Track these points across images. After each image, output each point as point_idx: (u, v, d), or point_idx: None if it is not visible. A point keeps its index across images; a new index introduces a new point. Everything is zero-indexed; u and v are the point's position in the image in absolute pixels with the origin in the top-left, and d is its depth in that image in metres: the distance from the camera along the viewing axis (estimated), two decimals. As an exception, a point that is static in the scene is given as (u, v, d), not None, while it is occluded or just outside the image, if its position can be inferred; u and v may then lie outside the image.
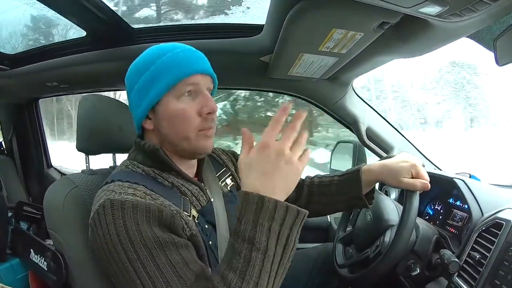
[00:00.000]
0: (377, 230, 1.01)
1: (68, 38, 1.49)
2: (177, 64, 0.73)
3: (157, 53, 0.75)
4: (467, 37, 0.91)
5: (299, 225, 0.59)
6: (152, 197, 0.68)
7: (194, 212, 0.76)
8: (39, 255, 1.06)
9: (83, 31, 1.29)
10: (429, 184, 0.88)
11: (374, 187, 1.01)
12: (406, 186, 0.89)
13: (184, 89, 0.73)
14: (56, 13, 1.12)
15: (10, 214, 1.48)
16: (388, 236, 0.96)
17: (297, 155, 0.60)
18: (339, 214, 1.33)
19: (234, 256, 0.58)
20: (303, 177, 1.10)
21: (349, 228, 1.25)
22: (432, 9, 0.67)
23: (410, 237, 0.89)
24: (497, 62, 0.77)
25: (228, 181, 0.95)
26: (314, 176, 1.08)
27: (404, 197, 0.91)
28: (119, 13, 1.22)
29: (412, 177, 0.89)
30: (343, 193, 0.99)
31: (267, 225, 0.57)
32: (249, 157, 0.60)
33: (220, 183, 0.91)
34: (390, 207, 1.05)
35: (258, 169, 0.59)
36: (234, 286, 0.56)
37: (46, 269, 0.99)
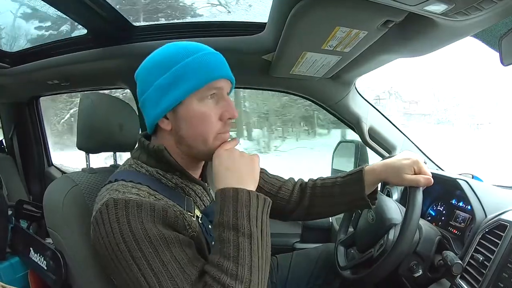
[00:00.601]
0: (380, 229, 1.00)
1: (69, 36, 1.49)
2: (204, 67, 0.71)
3: (183, 53, 0.72)
4: (472, 36, 0.89)
5: (267, 210, 0.68)
6: (156, 197, 0.68)
7: (197, 213, 0.76)
8: (38, 254, 1.06)
9: (84, 29, 1.28)
10: (432, 179, 0.89)
11: (377, 188, 1.01)
12: (410, 183, 0.89)
13: (208, 93, 0.72)
14: (57, 10, 1.12)
15: (10, 212, 1.49)
16: (392, 235, 0.95)
17: (246, 154, 0.73)
18: (341, 215, 1.32)
19: (223, 245, 0.62)
20: (306, 180, 1.11)
21: (350, 229, 1.24)
22: (437, 7, 0.66)
23: (415, 234, 0.89)
24: (502, 62, 0.75)
25: None
26: (317, 179, 1.08)
27: (407, 195, 0.90)
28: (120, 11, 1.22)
29: (415, 174, 0.90)
30: (346, 194, 0.98)
31: (246, 211, 0.64)
32: (213, 167, 0.71)
33: None
34: (393, 207, 1.04)
35: (221, 169, 0.69)
36: (231, 272, 0.60)
37: (45, 268, 0.99)
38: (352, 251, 1.18)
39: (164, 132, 0.76)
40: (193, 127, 0.72)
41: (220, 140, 0.75)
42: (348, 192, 0.97)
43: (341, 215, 1.27)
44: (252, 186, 0.69)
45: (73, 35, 1.46)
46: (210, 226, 0.77)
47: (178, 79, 0.70)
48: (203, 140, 0.73)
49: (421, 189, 0.89)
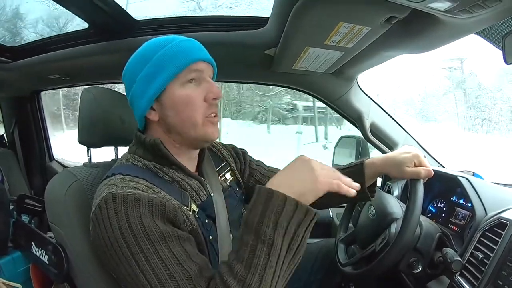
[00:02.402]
0: (382, 224, 1.01)
1: (71, 30, 1.48)
2: (180, 52, 0.74)
3: (158, 44, 0.75)
4: (475, 33, 0.89)
5: (308, 223, 0.60)
6: (154, 191, 0.69)
7: (194, 207, 0.76)
8: (40, 248, 1.06)
9: (86, 22, 1.28)
10: (432, 171, 0.89)
11: (376, 181, 1.03)
12: (411, 175, 0.90)
13: (188, 76, 0.74)
14: (58, 4, 1.11)
15: (12, 207, 1.49)
16: (394, 228, 0.96)
17: (327, 174, 0.64)
18: (341, 210, 1.32)
19: (241, 246, 0.59)
20: None
21: (350, 225, 1.25)
22: (441, 5, 0.66)
23: (417, 226, 0.89)
24: (505, 60, 0.75)
25: (228, 176, 0.95)
26: None
27: (407, 191, 0.91)
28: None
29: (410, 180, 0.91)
30: None
31: (274, 218, 0.57)
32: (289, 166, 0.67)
33: (219, 177, 0.91)
34: (393, 202, 1.05)
35: (286, 168, 0.66)
36: (240, 276, 0.56)
37: (47, 262, 0.99)
38: (352, 247, 1.18)
39: (153, 124, 0.78)
40: (179, 113, 0.74)
41: (209, 124, 0.76)
42: None
43: (341, 211, 1.28)
44: (298, 194, 0.61)
45: (74, 29, 1.45)
46: (206, 221, 0.77)
47: (157, 68, 0.73)
48: (192, 124, 0.75)
49: (421, 181, 0.89)
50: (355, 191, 0.67)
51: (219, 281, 0.58)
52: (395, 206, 1.03)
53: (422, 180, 0.89)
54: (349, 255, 1.15)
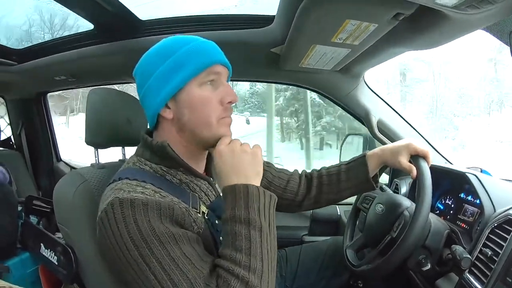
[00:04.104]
0: (392, 216, 0.99)
1: (76, 32, 1.48)
2: (202, 53, 0.74)
3: (179, 42, 0.75)
4: (482, 29, 0.88)
5: (274, 204, 0.70)
6: (161, 195, 0.68)
7: (203, 208, 0.76)
8: (49, 250, 1.07)
9: (91, 24, 1.28)
10: (428, 150, 0.97)
11: (378, 172, 1.08)
12: (408, 155, 0.98)
13: (208, 78, 0.74)
14: (63, 6, 1.11)
15: (20, 208, 1.50)
16: (408, 213, 0.96)
17: (248, 147, 0.73)
18: (349, 208, 1.32)
19: (235, 238, 0.64)
20: (309, 170, 1.16)
21: (356, 230, 1.22)
22: (449, 0, 0.66)
23: (431, 202, 0.88)
24: (512, 56, 0.75)
25: None
26: (321, 169, 1.13)
27: (416, 186, 0.91)
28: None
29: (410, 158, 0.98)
30: (352, 178, 1.05)
31: (256, 206, 0.66)
32: (215, 165, 0.73)
33: None
34: (401, 197, 1.06)
35: (225, 168, 0.71)
36: (244, 263, 0.61)
37: (56, 263, 1.00)
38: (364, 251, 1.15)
39: (166, 122, 0.77)
40: (195, 112, 0.74)
41: (223, 125, 0.77)
42: (354, 176, 1.05)
43: (349, 209, 1.27)
44: (257, 181, 0.71)
45: (79, 30, 1.46)
46: (217, 222, 0.77)
47: (179, 65, 0.72)
48: (207, 124, 0.74)
49: (422, 159, 0.95)
50: None
51: (225, 275, 0.60)
52: (404, 199, 1.03)
53: (422, 159, 0.95)
54: (359, 256, 1.10)
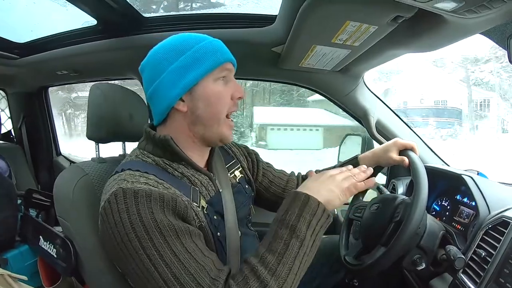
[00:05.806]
0: (390, 208, 0.96)
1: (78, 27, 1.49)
2: (218, 50, 0.78)
3: (193, 39, 0.77)
4: (481, 33, 0.89)
5: (325, 226, 0.70)
6: (164, 186, 0.69)
7: (203, 203, 0.77)
8: (48, 242, 1.07)
9: (94, 19, 1.29)
10: (414, 143, 1.05)
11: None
12: (397, 150, 1.05)
13: (221, 74, 0.78)
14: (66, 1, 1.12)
15: (19, 201, 1.50)
16: (404, 204, 0.92)
17: (347, 182, 0.76)
18: (345, 207, 1.31)
19: (274, 240, 0.65)
20: (303, 173, 1.19)
21: (350, 237, 1.17)
22: (447, 5, 0.67)
23: (427, 181, 0.89)
24: (510, 60, 0.76)
25: (237, 173, 0.96)
26: (316, 170, 1.12)
27: (413, 186, 0.91)
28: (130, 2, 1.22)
29: (399, 153, 1.05)
30: None
31: (308, 218, 0.67)
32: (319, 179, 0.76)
33: (228, 174, 0.92)
34: (395, 194, 1.06)
35: (314, 180, 0.75)
36: (271, 267, 0.61)
37: (55, 256, 1.00)
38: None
39: (179, 115, 0.78)
40: (210, 106, 0.77)
41: (227, 127, 0.81)
42: None
43: (345, 208, 1.26)
44: (324, 200, 0.71)
45: (82, 25, 1.46)
46: (215, 217, 0.78)
47: (196, 61, 0.75)
48: (217, 119, 0.78)
49: (410, 150, 1.02)
50: (373, 179, 0.81)
51: (248, 273, 0.61)
52: (398, 195, 1.01)
53: (411, 152, 1.01)
54: (358, 258, 1.03)
